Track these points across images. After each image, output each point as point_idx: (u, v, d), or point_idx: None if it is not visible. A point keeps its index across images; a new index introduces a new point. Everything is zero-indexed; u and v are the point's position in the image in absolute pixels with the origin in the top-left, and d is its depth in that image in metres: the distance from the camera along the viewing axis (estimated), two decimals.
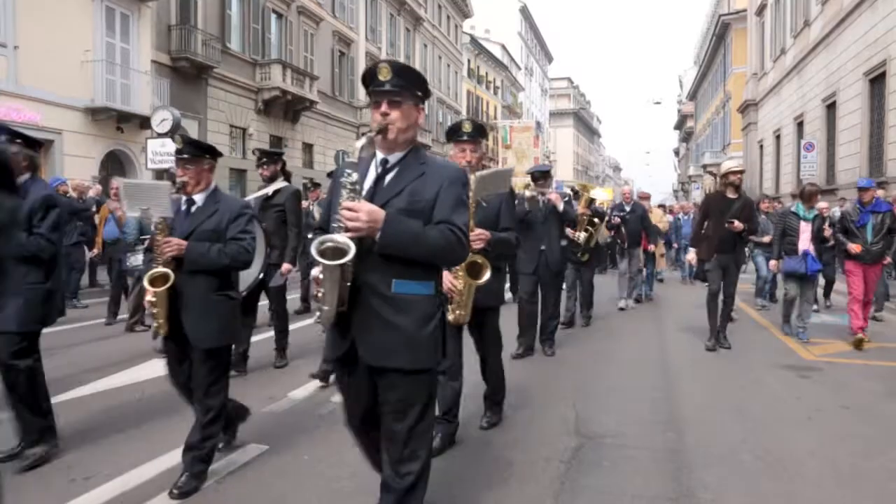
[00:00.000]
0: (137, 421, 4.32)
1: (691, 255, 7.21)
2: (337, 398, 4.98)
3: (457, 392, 3.86)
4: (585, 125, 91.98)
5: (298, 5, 24.18)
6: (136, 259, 6.76)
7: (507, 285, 10.19)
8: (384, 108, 2.27)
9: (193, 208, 3.40)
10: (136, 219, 6.85)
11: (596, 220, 7.90)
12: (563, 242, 6.68)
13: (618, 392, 5.28)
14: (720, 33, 38.25)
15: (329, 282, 2.14)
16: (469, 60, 46.50)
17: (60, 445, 3.78)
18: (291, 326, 6.34)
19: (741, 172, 7.00)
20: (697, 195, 41.11)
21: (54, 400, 4.64)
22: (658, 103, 66.10)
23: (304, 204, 11.30)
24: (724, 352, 6.71)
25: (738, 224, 6.59)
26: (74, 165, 14.75)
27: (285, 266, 5.71)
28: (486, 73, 50.32)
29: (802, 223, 7.20)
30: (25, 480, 3.39)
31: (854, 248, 7.04)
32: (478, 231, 3.51)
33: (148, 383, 5.22)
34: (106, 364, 5.86)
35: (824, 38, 18.74)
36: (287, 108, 23.18)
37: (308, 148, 25.40)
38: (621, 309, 9.78)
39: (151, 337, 3.44)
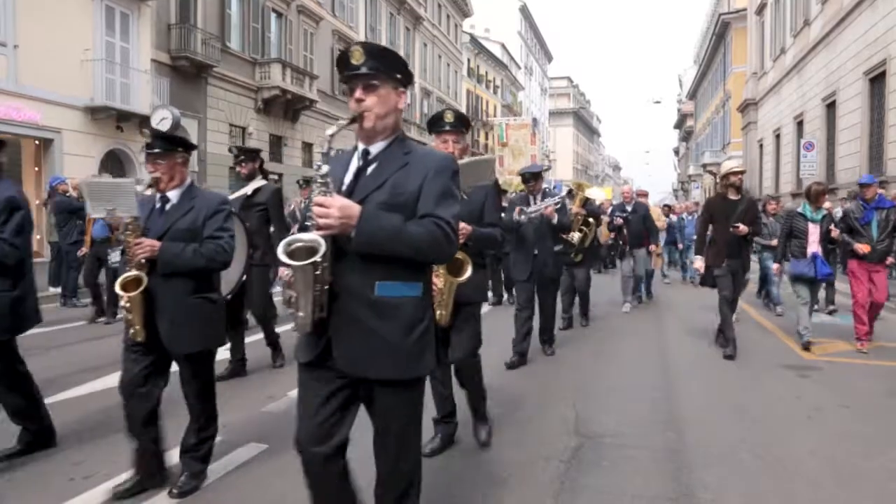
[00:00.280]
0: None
1: (699, 263, 6.79)
2: None
3: (451, 393, 3.83)
4: (585, 124, 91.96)
5: (298, 4, 24.16)
6: (115, 256, 6.69)
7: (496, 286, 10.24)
8: (359, 93, 2.10)
9: (168, 206, 3.21)
10: (103, 220, 6.47)
11: (591, 219, 7.67)
12: (558, 248, 6.41)
13: (617, 392, 5.28)
14: (720, 32, 38.24)
15: (302, 285, 1.97)
16: (469, 59, 46.49)
17: (59, 445, 3.78)
18: (288, 326, 6.34)
19: (742, 173, 6.76)
20: (697, 194, 41.12)
21: (53, 399, 4.64)
22: (658, 102, 66.10)
23: (297, 201, 11.30)
24: (724, 349, 6.62)
25: (743, 228, 6.35)
26: (74, 164, 14.74)
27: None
28: (486, 73, 50.30)
29: (811, 225, 6.80)
30: (25, 480, 3.39)
31: (862, 248, 6.74)
32: (461, 226, 3.27)
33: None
34: (105, 363, 5.85)
35: (824, 37, 18.74)
36: (287, 107, 23.17)
37: (308, 147, 25.38)
38: (626, 311, 9.65)
39: (122, 340, 3.20)
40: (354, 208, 1.95)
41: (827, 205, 7.39)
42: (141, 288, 3.05)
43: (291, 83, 22.58)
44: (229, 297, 4.89)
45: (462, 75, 45.27)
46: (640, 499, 3.25)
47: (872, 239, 6.79)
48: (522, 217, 5.86)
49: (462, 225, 3.23)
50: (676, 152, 78.53)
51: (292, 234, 4.96)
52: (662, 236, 12.87)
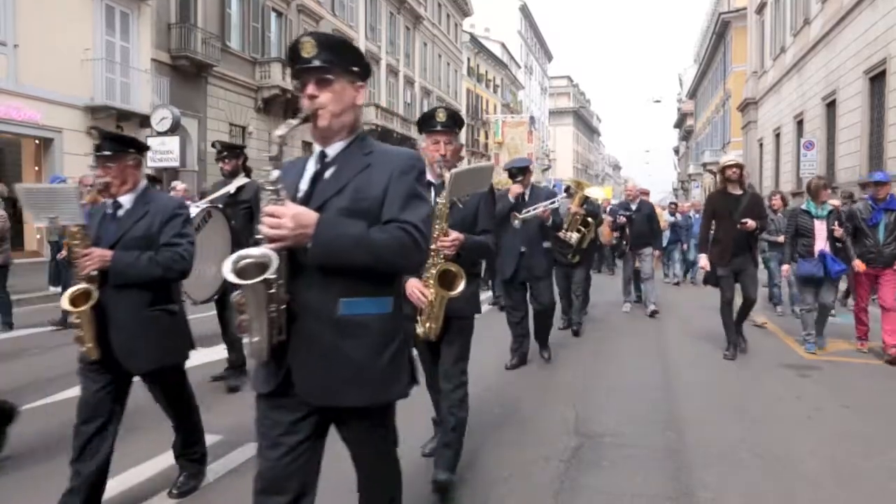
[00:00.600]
0: (137, 420, 4.31)
1: (703, 261, 6.49)
2: None
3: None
4: (585, 124, 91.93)
5: (298, 4, 24.16)
6: None
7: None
8: (311, 89, 1.90)
9: (120, 212, 2.96)
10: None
11: (590, 219, 7.32)
12: (546, 245, 5.99)
13: (617, 391, 5.28)
14: (720, 31, 38.22)
15: (254, 306, 1.76)
16: (469, 59, 46.47)
17: (61, 444, 3.77)
18: None
19: (737, 166, 6.38)
20: (697, 193, 41.09)
21: (51, 399, 4.64)
22: (658, 102, 66.18)
23: None
24: (721, 347, 6.56)
25: (751, 223, 6.08)
26: (74, 164, 14.72)
27: None
28: (486, 72, 50.28)
29: (816, 222, 6.50)
30: (24, 480, 3.39)
31: (859, 266, 6.45)
32: (453, 235, 3.02)
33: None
34: None
35: (824, 36, 18.73)
36: (287, 106, 23.14)
37: (308, 147, 25.33)
38: (626, 311, 9.56)
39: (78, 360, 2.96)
40: (310, 216, 1.75)
41: (834, 201, 7.08)
42: (91, 302, 2.80)
43: (292, 82, 22.52)
44: (216, 297, 4.86)
45: (462, 74, 45.25)
46: (640, 498, 3.25)
47: (879, 242, 6.43)
48: (516, 222, 5.53)
49: (454, 234, 3.02)
50: (676, 151, 78.51)
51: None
52: (666, 236, 12.59)
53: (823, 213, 6.53)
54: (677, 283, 13.54)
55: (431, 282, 3.01)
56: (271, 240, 1.75)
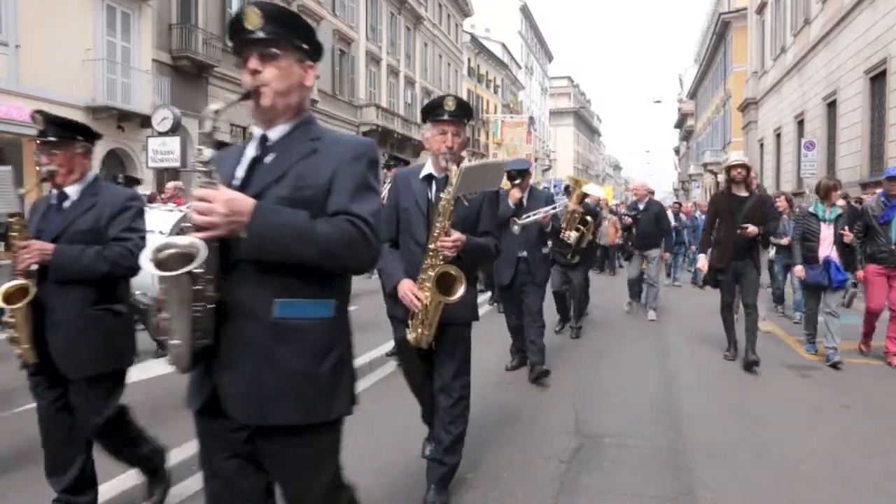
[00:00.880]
0: (138, 420, 4.32)
1: (702, 262, 6.33)
2: None
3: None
4: (586, 124, 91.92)
5: (299, 4, 24.15)
6: None
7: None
8: (254, 63, 1.72)
9: (66, 203, 2.74)
10: None
11: (588, 218, 7.11)
12: (546, 250, 5.79)
13: (618, 392, 5.28)
14: (720, 31, 38.20)
15: (176, 303, 1.55)
16: (469, 59, 46.47)
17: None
18: None
19: (743, 167, 6.09)
20: (698, 194, 41.08)
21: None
22: (658, 102, 66.17)
23: None
24: (722, 349, 6.50)
25: (752, 229, 5.78)
26: None
27: None
28: (487, 72, 50.28)
29: (823, 226, 6.20)
30: (25, 480, 3.40)
31: (859, 276, 6.27)
32: (455, 235, 2.79)
33: (151, 382, 5.22)
34: None
35: (825, 36, 18.73)
36: None
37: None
38: (627, 310, 9.44)
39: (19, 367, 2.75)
40: (245, 202, 1.56)
41: (840, 203, 6.83)
42: (28, 299, 2.58)
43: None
44: None
45: (462, 75, 45.25)
46: (640, 498, 3.26)
47: (891, 240, 6.16)
48: (515, 228, 5.31)
49: (456, 234, 2.80)
50: (677, 152, 78.48)
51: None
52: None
53: (832, 216, 6.22)
54: (678, 285, 13.42)
55: (428, 285, 2.79)
56: (200, 227, 1.54)
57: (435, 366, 3.13)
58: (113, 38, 16.21)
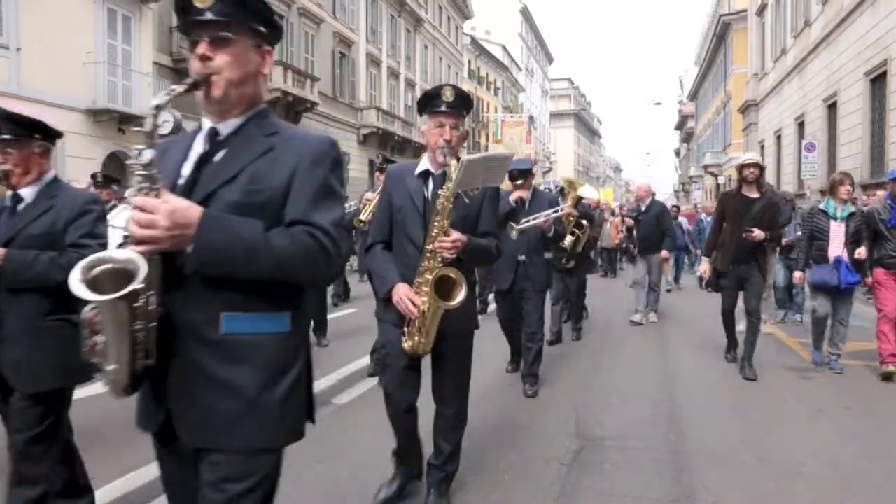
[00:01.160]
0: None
1: (704, 267, 6.05)
2: (338, 399, 5.00)
3: (413, 426, 3.03)
4: (586, 126, 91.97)
5: (299, 7, 24.20)
6: None
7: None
8: (203, 48, 1.52)
9: (20, 206, 2.57)
10: None
11: (584, 221, 6.86)
12: (548, 255, 5.50)
13: (618, 394, 5.27)
14: (721, 33, 38.23)
15: (112, 327, 1.37)
16: (470, 61, 46.52)
17: None
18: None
19: (755, 166, 5.75)
20: (698, 195, 41.09)
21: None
22: (658, 104, 66.17)
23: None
24: (723, 352, 6.47)
25: (758, 233, 5.50)
26: (76, 167, 14.75)
27: None
28: (487, 74, 50.33)
29: (833, 224, 5.84)
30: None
31: (868, 282, 5.88)
32: (454, 235, 2.61)
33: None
34: None
35: (825, 37, 18.74)
36: (288, 109, 23.18)
37: None
38: (637, 323, 8.70)
39: None
40: (191, 212, 1.39)
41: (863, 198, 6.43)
42: None
43: (293, 85, 22.61)
44: None
45: (463, 77, 45.29)
46: (641, 500, 3.25)
47: None
48: (513, 233, 5.05)
49: (455, 234, 2.61)
50: (677, 153, 78.51)
51: None
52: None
53: (843, 214, 5.85)
54: (680, 288, 13.24)
55: (425, 289, 2.60)
56: (139, 241, 1.37)
57: (433, 377, 2.98)
58: (114, 40, 16.23)
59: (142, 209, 1.37)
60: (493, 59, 51.29)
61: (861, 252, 5.71)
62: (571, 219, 6.51)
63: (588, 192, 6.93)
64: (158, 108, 1.44)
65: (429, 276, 2.59)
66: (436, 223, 2.59)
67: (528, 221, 5.11)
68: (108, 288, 1.33)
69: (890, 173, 6.48)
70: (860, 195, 11.71)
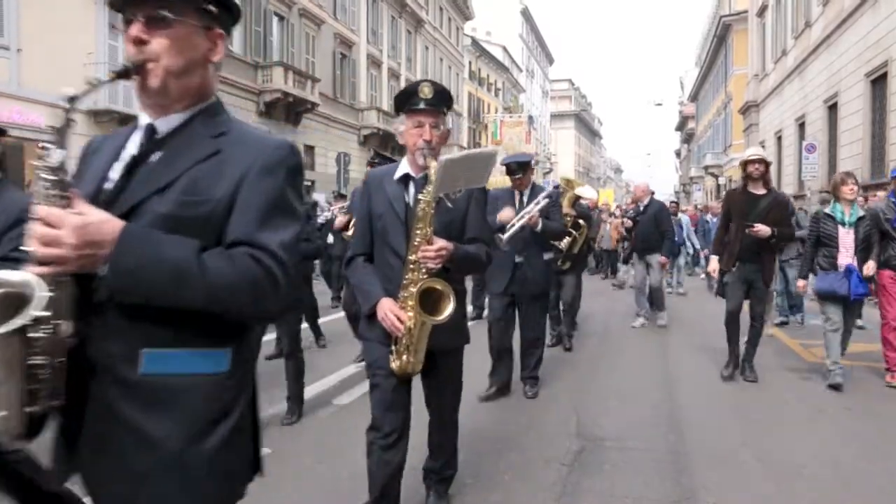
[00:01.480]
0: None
1: (713, 265, 5.74)
2: (338, 400, 5.00)
3: (396, 469, 2.70)
4: (586, 127, 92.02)
5: (300, 8, 24.22)
6: None
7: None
8: (137, 29, 1.27)
9: None
10: None
11: (581, 221, 6.61)
12: (547, 256, 5.20)
13: (618, 395, 5.27)
14: (721, 34, 38.24)
15: (2, 365, 1.11)
16: (470, 62, 46.55)
17: None
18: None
19: (761, 162, 5.49)
20: (699, 196, 41.10)
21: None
22: (659, 105, 66.35)
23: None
24: (725, 353, 6.15)
25: (762, 228, 5.19)
26: None
27: None
28: (488, 75, 50.37)
29: (842, 229, 5.44)
30: None
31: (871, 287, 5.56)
32: (439, 243, 2.39)
33: None
34: None
35: (825, 38, 18.74)
36: (288, 110, 23.20)
37: (310, 150, 25.40)
38: (635, 326, 8.49)
39: None
40: (107, 227, 1.15)
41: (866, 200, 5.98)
42: None
43: (293, 86, 22.63)
44: None
45: (463, 78, 45.32)
46: (641, 501, 3.25)
47: None
48: (503, 244, 4.75)
49: (440, 243, 2.39)
50: (678, 154, 78.51)
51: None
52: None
53: (851, 219, 5.45)
54: (682, 293, 12.60)
55: (411, 303, 2.39)
56: (42, 261, 1.12)
57: (425, 390, 2.85)
58: (114, 41, 16.25)
59: (45, 222, 1.12)
60: (494, 60, 51.33)
61: (870, 267, 5.39)
62: (568, 219, 6.28)
63: (586, 192, 6.76)
64: (73, 100, 1.20)
65: (413, 290, 2.38)
66: (418, 231, 2.38)
67: (512, 227, 4.83)
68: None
69: (893, 171, 6.36)
70: (859, 196, 11.66)
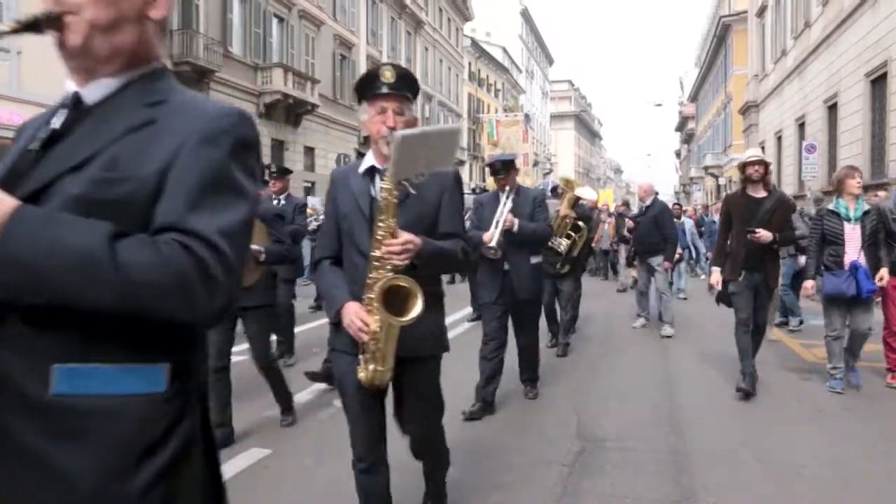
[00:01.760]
0: None
1: (715, 277, 5.39)
2: (339, 401, 5.00)
3: (379, 497, 2.48)
4: (586, 127, 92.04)
5: (300, 9, 24.24)
6: None
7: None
8: None
9: None
10: None
11: (581, 223, 6.30)
12: (536, 260, 4.88)
13: (618, 395, 5.28)
14: (721, 35, 38.25)
15: None
16: (470, 63, 46.58)
17: None
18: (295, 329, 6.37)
19: (760, 163, 5.21)
20: (699, 197, 41.12)
21: None
22: (659, 105, 66.48)
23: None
24: (725, 354, 6.29)
25: (763, 234, 4.92)
26: None
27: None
28: (487, 76, 50.41)
29: (847, 227, 5.18)
30: None
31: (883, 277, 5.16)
32: (404, 236, 2.14)
33: None
34: None
35: (825, 39, 18.75)
36: (288, 111, 23.22)
37: (310, 151, 25.43)
38: (636, 327, 8.45)
39: None
40: None
41: (881, 193, 5.54)
42: None
43: (293, 87, 22.64)
44: None
45: (463, 79, 45.35)
46: (642, 501, 3.25)
47: None
48: (490, 252, 4.53)
49: (405, 236, 2.15)
50: (678, 155, 78.51)
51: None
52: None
53: (857, 214, 5.21)
54: (683, 298, 12.16)
55: (376, 304, 2.11)
56: None
57: (395, 407, 2.53)
58: None
59: None
60: (494, 61, 51.37)
61: (883, 277, 5.11)
62: (568, 221, 6.07)
63: (586, 193, 6.50)
64: None
65: (378, 288, 2.12)
66: (381, 224, 2.11)
67: (495, 233, 4.55)
68: None
69: None
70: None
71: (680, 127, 71.62)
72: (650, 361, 6.60)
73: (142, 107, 1.10)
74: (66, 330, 0.99)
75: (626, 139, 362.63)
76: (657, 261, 8.02)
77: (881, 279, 5.13)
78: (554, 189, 8.48)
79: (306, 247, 9.91)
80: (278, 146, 23.33)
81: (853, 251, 5.17)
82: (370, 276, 2.16)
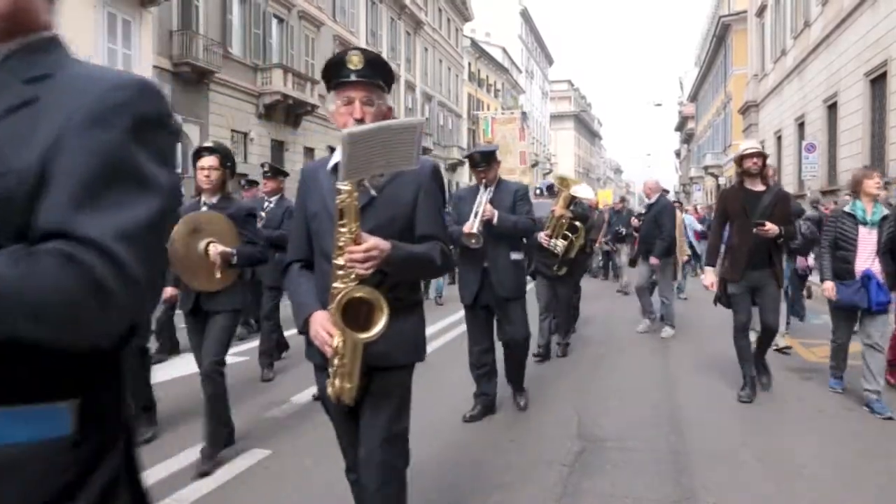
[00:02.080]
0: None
1: (709, 278, 5.20)
2: None
3: None
4: (586, 127, 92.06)
5: (299, 10, 24.26)
6: None
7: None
8: None
9: None
10: None
11: (578, 223, 6.08)
12: (517, 256, 4.60)
13: (619, 395, 5.28)
14: (720, 34, 38.27)
15: None
16: (470, 64, 46.60)
17: None
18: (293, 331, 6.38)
19: (758, 155, 4.98)
20: (699, 196, 41.10)
21: None
22: (659, 105, 66.38)
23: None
24: (725, 354, 6.17)
25: (771, 227, 4.67)
26: None
27: None
28: (487, 77, 50.43)
29: (863, 230, 4.79)
30: None
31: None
32: (368, 242, 1.90)
33: (158, 386, 5.23)
34: None
35: (825, 38, 18.75)
36: (288, 112, 23.24)
37: (310, 152, 25.43)
38: (640, 331, 8.17)
39: None
40: None
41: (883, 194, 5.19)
42: None
43: (293, 88, 22.66)
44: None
45: (463, 79, 45.37)
46: (642, 501, 3.25)
47: None
48: (472, 242, 4.35)
49: (371, 241, 1.91)
50: (678, 154, 78.53)
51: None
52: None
53: (874, 218, 4.79)
54: (684, 298, 12.02)
55: (335, 319, 1.93)
56: None
57: (360, 423, 2.20)
58: (114, 44, 16.27)
59: None
60: (493, 62, 51.38)
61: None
62: (564, 221, 5.85)
63: (582, 191, 6.26)
64: None
65: (339, 299, 1.91)
66: (342, 229, 1.88)
67: (474, 223, 4.37)
68: None
69: None
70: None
71: (680, 127, 71.63)
72: (650, 361, 6.60)
73: (20, 83, 0.90)
74: None
75: (625, 139, 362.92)
76: (664, 260, 7.93)
77: None
78: (550, 188, 8.33)
79: None
80: (278, 147, 23.35)
81: (865, 258, 4.78)
82: (334, 285, 1.93)
